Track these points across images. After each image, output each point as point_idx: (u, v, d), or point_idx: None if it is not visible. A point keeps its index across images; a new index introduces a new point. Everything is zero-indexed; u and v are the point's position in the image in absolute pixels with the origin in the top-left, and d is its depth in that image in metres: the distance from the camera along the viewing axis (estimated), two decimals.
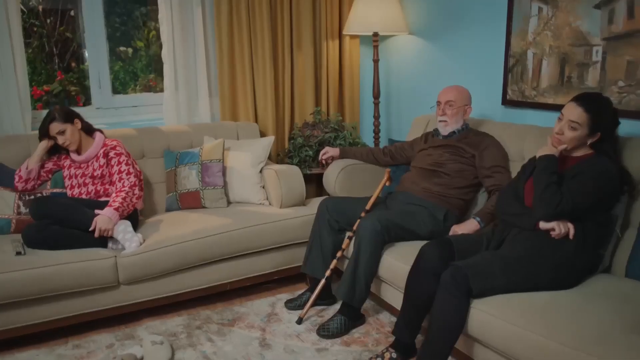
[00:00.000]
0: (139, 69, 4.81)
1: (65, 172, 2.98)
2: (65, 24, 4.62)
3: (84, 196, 2.93)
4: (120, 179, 2.91)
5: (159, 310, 2.87)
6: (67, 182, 2.97)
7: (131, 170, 2.94)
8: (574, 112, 2.18)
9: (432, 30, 3.60)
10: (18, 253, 2.55)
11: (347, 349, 2.55)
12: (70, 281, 2.54)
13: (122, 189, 2.87)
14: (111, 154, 2.93)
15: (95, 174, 2.92)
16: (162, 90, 3.66)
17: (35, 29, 4.51)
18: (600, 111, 2.19)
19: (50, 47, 4.64)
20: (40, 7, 4.55)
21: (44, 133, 2.88)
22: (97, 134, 2.99)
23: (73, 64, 4.70)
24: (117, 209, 2.75)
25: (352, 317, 2.70)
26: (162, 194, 3.29)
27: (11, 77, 3.14)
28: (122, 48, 4.90)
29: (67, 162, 2.98)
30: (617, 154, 2.27)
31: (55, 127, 2.84)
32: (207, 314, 2.89)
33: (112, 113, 3.60)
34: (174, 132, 3.41)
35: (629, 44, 2.45)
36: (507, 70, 3.07)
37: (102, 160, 2.93)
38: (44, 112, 3.42)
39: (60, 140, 2.86)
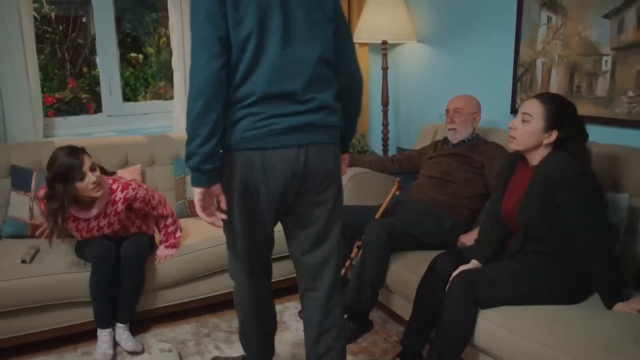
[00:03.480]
0: (149, 75, 4.85)
1: (71, 225, 2.57)
2: (77, 30, 4.67)
3: (106, 231, 2.62)
4: (161, 214, 2.73)
5: (168, 318, 2.89)
6: (80, 235, 2.61)
7: (161, 199, 2.74)
8: (528, 104, 2.12)
9: (441, 38, 3.60)
10: (23, 261, 2.57)
11: (355, 358, 2.55)
12: (80, 289, 2.55)
13: (170, 224, 2.78)
14: (136, 205, 2.62)
15: (118, 218, 2.61)
16: (172, 97, 3.69)
17: (47, 35, 4.56)
18: (557, 106, 2.08)
19: (62, 53, 4.69)
20: (53, 14, 4.60)
21: (74, 168, 2.37)
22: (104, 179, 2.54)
23: (85, 69, 4.75)
24: (175, 246, 2.79)
25: (359, 323, 2.71)
26: (171, 202, 3.29)
27: (23, 84, 3.17)
28: (132, 54, 4.95)
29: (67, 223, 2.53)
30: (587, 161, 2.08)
31: (88, 159, 2.43)
32: (215, 322, 2.90)
33: (122, 120, 3.62)
34: (183, 139, 3.37)
35: (638, 54, 2.44)
36: (516, 79, 3.06)
37: (121, 206, 2.57)
38: (56, 120, 3.47)
39: (90, 179, 2.40)
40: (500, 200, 2.23)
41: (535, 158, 2.13)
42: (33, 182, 2.94)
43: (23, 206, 2.90)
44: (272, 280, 3.01)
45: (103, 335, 2.56)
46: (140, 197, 2.59)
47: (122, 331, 2.62)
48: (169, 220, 2.79)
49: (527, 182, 2.10)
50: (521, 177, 2.17)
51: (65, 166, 2.36)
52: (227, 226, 1.87)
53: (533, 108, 2.09)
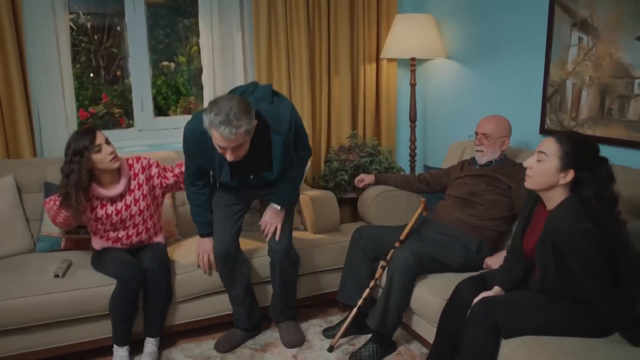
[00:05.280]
0: (180, 84, 4.92)
1: (100, 226, 2.70)
2: (112, 37, 4.78)
3: (134, 240, 2.76)
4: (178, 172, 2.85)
5: (194, 333, 2.93)
6: (111, 233, 2.72)
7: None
8: (544, 143, 2.01)
9: (470, 55, 3.58)
10: (56, 275, 2.62)
11: None
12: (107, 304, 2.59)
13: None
14: (152, 171, 2.79)
15: (142, 193, 2.74)
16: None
17: (83, 45, 4.68)
18: (574, 144, 1.96)
19: (97, 61, 4.80)
20: (89, 24, 4.72)
21: (89, 141, 2.51)
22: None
23: (119, 73, 4.86)
24: None
25: (383, 345, 2.71)
26: None
27: (59, 99, 3.27)
28: (164, 63, 5.03)
29: (95, 212, 2.66)
30: (606, 212, 1.91)
31: (102, 135, 2.58)
32: None
33: (153, 135, 3.69)
34: None
35: None
36: (545, 99, 3.03)
37: (142, 177, 2.75)
38: None
39: (107, 150, 2.56)
40: (521, 237, 2.18)
41: (551, 202, 2.03)
42: None
43: None
44: (297, 298, 3.07)
45: (121, 352, 2.60)
46: (153, 162, 2.80)
47: (150, 345, 2.68)
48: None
49: (542, 226, 2.03)
50: (539, 218, 2.10)
51: (82, 140, 2.52)
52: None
53: (548, 146, 1.99)
